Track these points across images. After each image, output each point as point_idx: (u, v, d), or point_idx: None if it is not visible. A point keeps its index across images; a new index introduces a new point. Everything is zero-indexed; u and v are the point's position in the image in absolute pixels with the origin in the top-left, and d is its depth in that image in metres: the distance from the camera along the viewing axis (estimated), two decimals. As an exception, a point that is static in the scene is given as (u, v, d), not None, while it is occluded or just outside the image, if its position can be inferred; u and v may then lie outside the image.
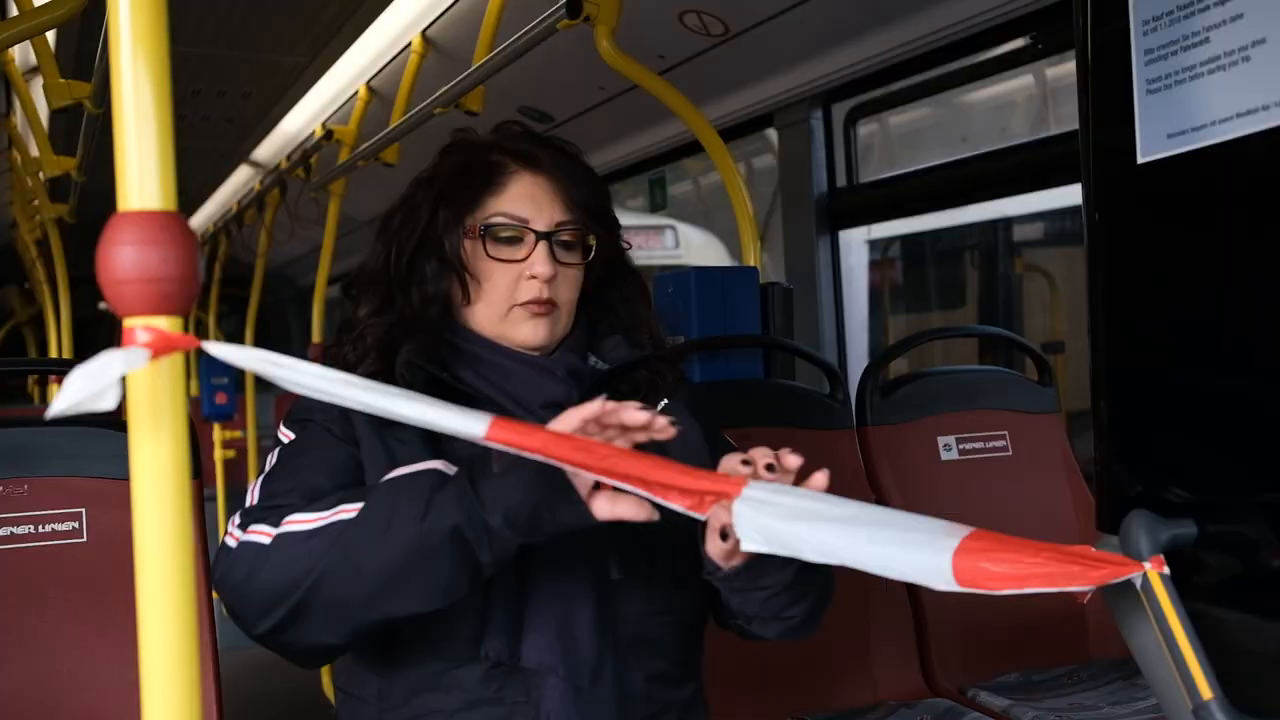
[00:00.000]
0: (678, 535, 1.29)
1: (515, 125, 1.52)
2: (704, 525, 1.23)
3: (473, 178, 1.44)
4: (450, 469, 1.22)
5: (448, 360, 1.42)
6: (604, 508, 1.14)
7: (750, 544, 1.09)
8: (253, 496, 1.33)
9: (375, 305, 1.44)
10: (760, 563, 1.22)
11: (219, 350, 0.83)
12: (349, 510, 1.21)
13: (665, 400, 1.49)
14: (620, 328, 1.52)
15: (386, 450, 1.33)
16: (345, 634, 1.23)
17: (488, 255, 1.41)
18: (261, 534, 1.24)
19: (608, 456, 1.06)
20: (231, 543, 1.26)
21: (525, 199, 1.43)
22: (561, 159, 1.46)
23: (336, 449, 1.35)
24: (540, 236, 1.41)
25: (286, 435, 1.41)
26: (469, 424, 0.99)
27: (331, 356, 1.45)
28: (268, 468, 1.37)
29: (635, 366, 1.49)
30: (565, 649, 1.31)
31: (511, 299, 1.41)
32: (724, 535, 1.21)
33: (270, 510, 1.27)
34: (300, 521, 1.23)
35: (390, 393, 0.94)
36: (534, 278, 1.40)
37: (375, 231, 1.50)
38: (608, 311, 1.54)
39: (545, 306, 1.41)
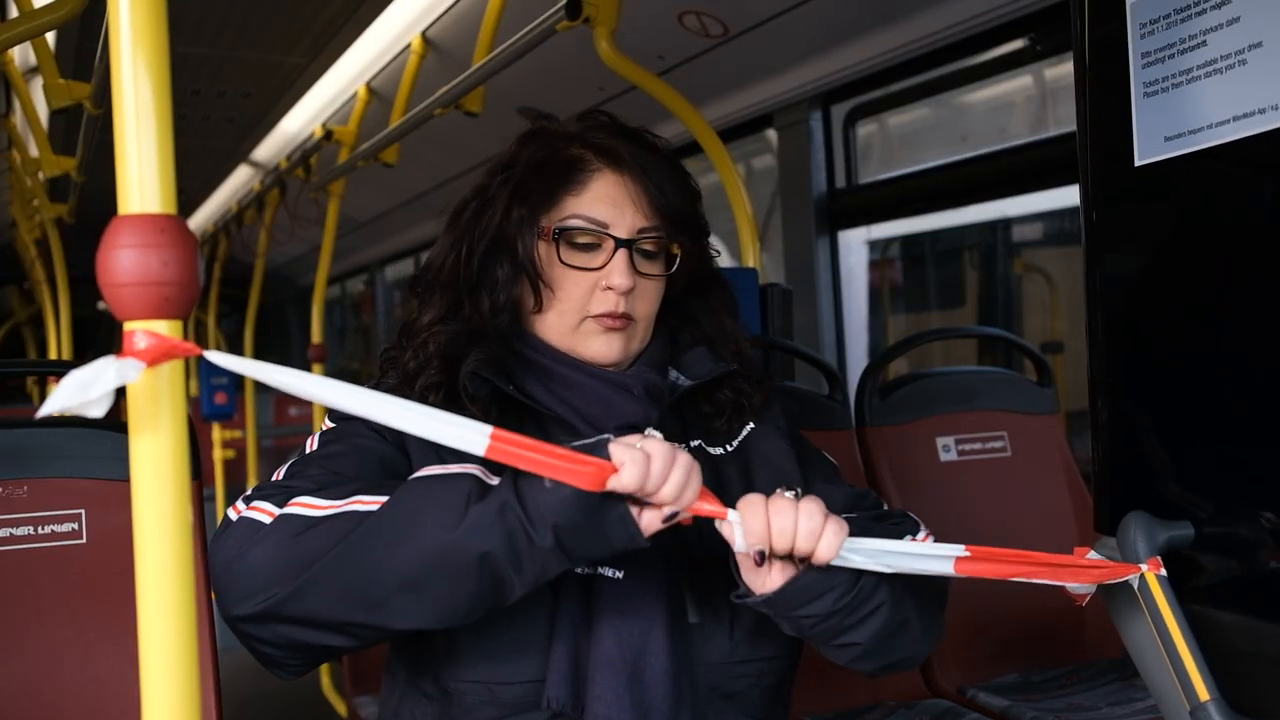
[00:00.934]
0: None
1: (602, 115, 1.38)
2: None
3: (551, 173, 1.31)
4: (490, 477, 1.09)
5: (514, 372, 1.31)
6: (654, 519, 1.05)
7: (747, 546, 1.10)
8: (276, 475, 1.23)
9: (440, 311, 1.32)
10: (790, 592, 1.13)
11: (221, 359, 0.83)
12: (366, 502, 1.10)
13: (750, 425, 1.39)
14: (704, 340, 1.41)
15: (439, 458, 1.20)
16: (332, 637, 1.11)
17: (561, 261, 1.30)
18: (263, 512, 1.13)
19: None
20: (233, 515, 1.16)
21: (606, 201, 1.30)
22: (649, 157, 1.33)
23: (378, 445, 1.24)
24: (620, 244, 1.29)
25: (329, 425, 1.30)
26: (469, 437, 0.95)
27: (389, 360, 1.36)
28: (305, 451, 1.27)
29: (719, 384, 1.38)
30: (635, 702, 1.18)
31: (584, 310, 1.30)
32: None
33: (281, 489, 1.16)
34: (308, 505, 1.12)
35: (389, 401, 0.92)
36: (610, 289, 1.29)
37: (445, 224, 1.38)
38: (690, 322, 1.42)
39: (621, 321, 1.30)
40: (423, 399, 1.25)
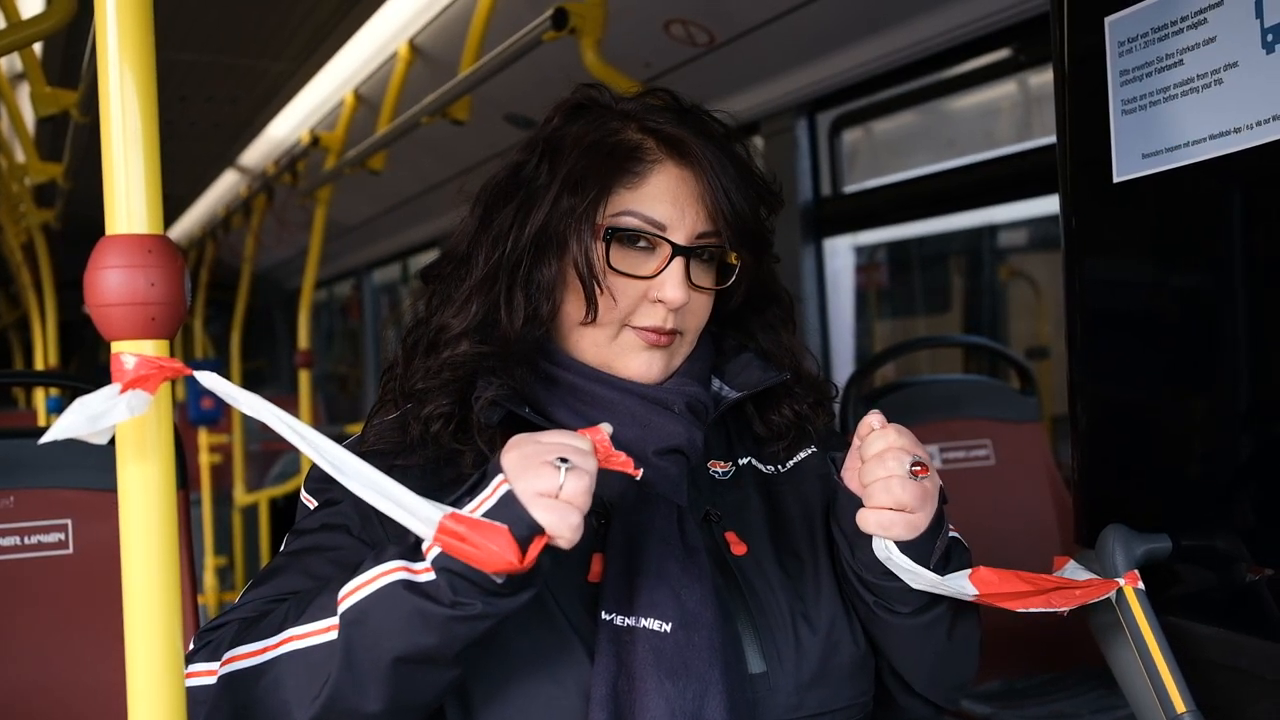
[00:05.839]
0: (833, 604, 1.13)
1: (663, 93, 1.21)
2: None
3: (605, 159, 1.12)
4: (415, 570, 0.92)
5: (535, 394, 1.14)
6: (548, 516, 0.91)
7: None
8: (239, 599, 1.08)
9: (472, 319, 1.12)
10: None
11: (211, 382, 0.84)
12: (299, 636, 0.96)
13: (812, 449, 1.26)
14: (754, 349, 1.25)
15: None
16: None
17: (609, 266, 1.12)
18: (204, 674, 0.99)
19: None
20: (187, 683, 0.97)
21: (666, 198, 1.12)
22: (715, 150, 1.15)
23: (342, 540, 1.07)
24: (677, 251, 1.12)
25: (309, 502, 1.13)
26: (422, 520, 0.89)
27: (394, 379, 1.17)
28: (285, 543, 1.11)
29: (775, 403, 1.23)
30: None
31: (627, 320, 1.13)
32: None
33: (213, 633, 1.02)
34: (242, 656, 0.98)
35: (354, 465, 0.88)
36: (660, 302, 1.12)
37: (471, 206, 1.19)
38: (740, 331, 1.26)
39: (667, 337, 1.13)
40: (425, 428, 1.11)
